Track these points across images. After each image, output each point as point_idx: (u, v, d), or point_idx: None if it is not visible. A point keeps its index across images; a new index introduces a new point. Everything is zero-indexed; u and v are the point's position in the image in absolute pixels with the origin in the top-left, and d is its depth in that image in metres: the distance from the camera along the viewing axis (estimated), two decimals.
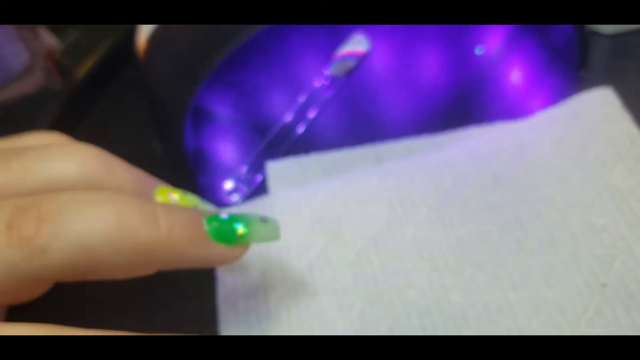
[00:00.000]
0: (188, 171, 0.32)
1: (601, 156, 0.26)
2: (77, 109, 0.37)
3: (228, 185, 0.30)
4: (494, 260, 0.24)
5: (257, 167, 0.31)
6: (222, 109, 0.34)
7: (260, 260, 0.26)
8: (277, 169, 0.30)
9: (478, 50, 0.35)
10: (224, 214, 0.20)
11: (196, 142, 0.32)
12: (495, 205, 0.26)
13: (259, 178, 0.31)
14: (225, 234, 0.20)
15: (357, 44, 0.34)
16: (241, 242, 0.20)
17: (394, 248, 0.26)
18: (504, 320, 0.23)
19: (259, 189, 0.30)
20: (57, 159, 0.19)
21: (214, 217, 0.20)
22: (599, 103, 0.28)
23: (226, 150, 0.33)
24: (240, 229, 0.20)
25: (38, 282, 0.18)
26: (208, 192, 0.31)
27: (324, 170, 0.30)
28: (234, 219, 0.20)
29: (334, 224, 0.27)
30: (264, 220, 0.21)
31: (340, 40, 0.34)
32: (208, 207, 0.23)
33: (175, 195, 0.22)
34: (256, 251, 0.26)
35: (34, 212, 0.17)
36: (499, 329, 0.23)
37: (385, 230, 0.26)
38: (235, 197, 0.29)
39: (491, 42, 0.35)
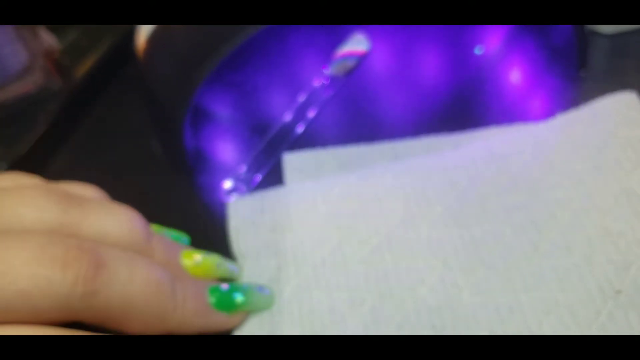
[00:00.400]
0: (187, 171, 0.32)
1: (620, 160, 0.26)
2: (76, 109, 0.37)
3: (227, 184, 0.30)
4: (507, 261, 0.24)
5: (257, 166, 0.31)
6: (221, 109, 0.34)
7: (274, 254, 0.26)
8: (293, 161, 0.30)
9: (478, 50, 0.35)
10: (225, 285, 0.23)
11: (196, 142, 0.32)
12: (511, 206, 0.26)
13: (258, 178, 0.31)
14: (226, 304, 0.22)
15: (357, 43, 0.34)
16: (240, 310, 0.23)
17: (407, 246, 0.25)
18: (514, 321, 0.23)
19: (272, 181, 0.30)
20: (111, 217, 0.21)
21: (215, 289, 0.22)
22: (621, 107, 0.28)
23: (226, 150, 0.33)
24: (239, 299, 0.23)
25: (74, 316, 0.19)
26: (207, 191, 0.31)
27: (340, 164, 0.30)
28: (233, 289, 0.23)
29: (348, 219, 0.27)
30: (261, 289, 0.24)
31: (340, 40, 0.34)
32: (228, 265, 0.25)
33: (198, 256, 0.24)
34: (271, 244, 0.26)
35: (93, 257, 0.19)
36: (509, 330, 0.23)
37: (400, 228, 0.26)
38: (233, 197, 0.29)
39: (491, 42, 0.35)
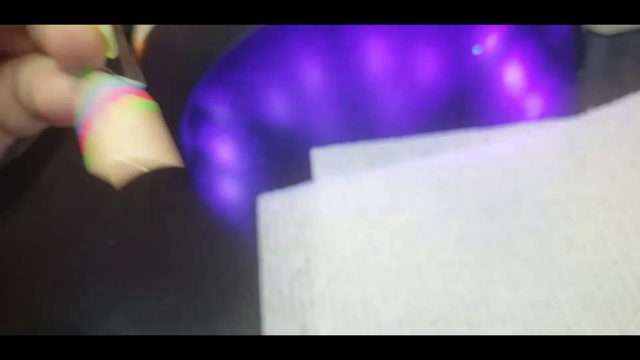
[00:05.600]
0: (185, 170, 0.32)
1: None
2: None
3: None
4: (543, 256, 0.24)
5: None
6: (219, 108, 0.34)
7: (303, 245, 0.26)
8: (322, 157, 0.30)
9: (476, 50, 0.35)
10: None
11: (193, 142, 0.32)
12: (545, 201, 0.26)
13: None
14: None
15: None
16: None
17: (440, 240, 0.25)
18: (551, 317, 0.23)
19: (301, 177, 0.30)
20: None
21: None
22: None
23: (223, 149, 0.33)
24: None
25: None
26: (205, 191, 0.31)
27: (369, 159, 0.29)
28: None
29: (379, 213, 0.26)
30: None
31: (338, 40, 0.34)
32: None
33: None
34: (300, 239, 0.26)
35: None
36: (546, 326, 0.22)
37: (432, 222, 0.26)
38: None
39: (489, 41, 0.35)
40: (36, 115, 0.19)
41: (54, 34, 0.18)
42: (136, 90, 0.17)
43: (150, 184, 0.31)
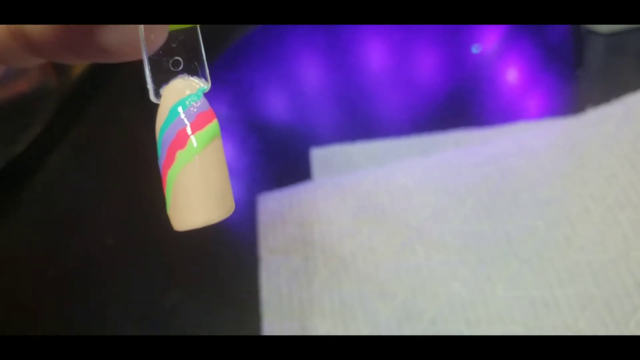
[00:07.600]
0: None
1: None
2: (73, 108, 0.37)
3: None
4: (541, 255, 0.24)
5: None
6: (218, 107, 0.34)
7: (302, 244, 0.26)
8: (321, 156, 0.30)
9: (475, 49, 0.35)
10: None
11: None
12: (544, 201, 0.26)
13: None
14: None
15: None
16: None
17: (439, 239, 0.25)
18: (550, 316, 0.23)
19: (301, 177, 0.30)
20: None
21: None
22: None
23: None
24: None
25: None
26: None
27: (368, 159, 0.30)
28: None
29: (378, 212, 0.27)
30: None
31: (336, 38, 0.34)
32: None
33: None
34: (298, 235, 0.26)
35: None
36: (544, 325, 0.22)
37: (431, 221, 0.26)
38: None
39: (487, 41, 0.35)
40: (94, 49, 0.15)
41: None
42: (205, 112, 0.15)
43: (148, 184, 0.31)
